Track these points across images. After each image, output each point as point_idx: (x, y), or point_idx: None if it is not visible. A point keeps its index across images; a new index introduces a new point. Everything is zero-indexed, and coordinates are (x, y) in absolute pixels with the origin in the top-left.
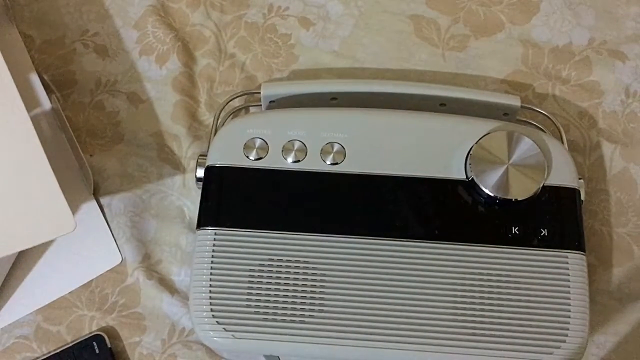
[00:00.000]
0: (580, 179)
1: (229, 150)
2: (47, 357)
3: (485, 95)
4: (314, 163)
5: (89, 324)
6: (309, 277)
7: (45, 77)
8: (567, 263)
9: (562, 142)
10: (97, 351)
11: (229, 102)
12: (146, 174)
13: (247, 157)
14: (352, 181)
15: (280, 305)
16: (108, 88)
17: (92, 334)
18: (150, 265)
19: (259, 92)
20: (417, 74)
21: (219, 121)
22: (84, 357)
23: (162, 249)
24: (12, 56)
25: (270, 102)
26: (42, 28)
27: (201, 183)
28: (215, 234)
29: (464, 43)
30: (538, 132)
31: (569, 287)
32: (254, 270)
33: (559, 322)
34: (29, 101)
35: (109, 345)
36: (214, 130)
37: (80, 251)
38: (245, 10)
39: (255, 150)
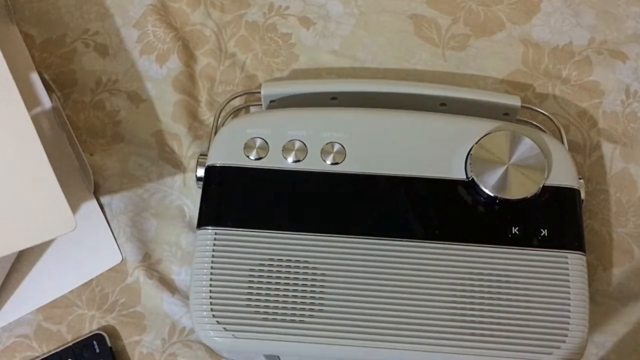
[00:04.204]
0: (580, 179)
1: (229, 150)
2: (47, 356)
3: (486, 95)
4: (314, 163)
5: (89, 323)
6: (309, 277)
7: (46, 76)
8: (567, 263)
9: (562, 142)
10: (97, 350)
11: (229, 101)
12: (146, 173)
13: (248, 156)
14: (352, 181)
15: (280, 305)
16: (108, 87)
17: (93, 333)
18: (150, 265)
19: (260, 92)
20: (417, 73)
21: (219, 121)
22: (84, 356)
23: (162, 248)
24: (12, 55)
25: (271, 101)
26: (42, 27)
27: (201, 182)
28: (216, 233)
29: (464, 43)
30: (538, 132)
31: (568, 287)
32: (254, 270)
33: (558, 322)
34: (30, 100)
35: (109, 345)
36: (214, 129)
37: (81, 250)
38: (245, 10)
39: (255, 150)
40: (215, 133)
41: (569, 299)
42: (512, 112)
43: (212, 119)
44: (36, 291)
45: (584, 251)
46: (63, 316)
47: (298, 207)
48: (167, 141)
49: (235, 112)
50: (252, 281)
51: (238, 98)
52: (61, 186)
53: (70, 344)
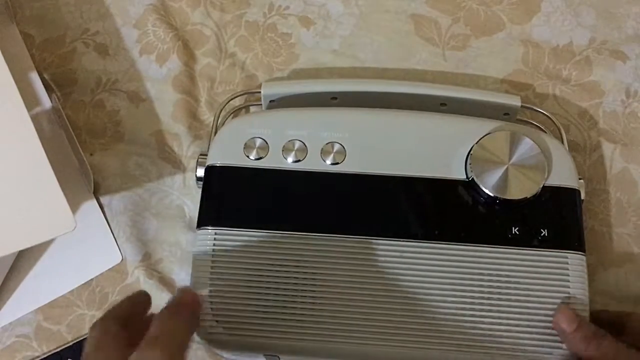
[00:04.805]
0: (580, 179)
1: (229, 150)
2: (47, 356)
3: (486, 95)
4: (314, 163)
5: (90, 323)
6: (309, 277)
7: (46, 76)
8: (567, 263)
9: (563, 142)
10: None
11: (229, 101)
12: (146, 173)
13: (248, 156)
14: (352, 181)
15: (280, 305)
16: (108, 87)
17: None
18: (150, 265)
19: (260, 92)
20: (417, 73)
21: (219, 120)
22: None
23: (162, 248)
24: (12, 55)
25: (271, 101)
26: (42, 27)
27: (201, 182)
28: (216, 233)
29: (464, 42)
30: (538, 132)
31: (568, 287)
32: (254, 270)
33: None
34: (29, 100)
35: None
36: (214, 129)
37: (80, 250)
38: (245, 9)
39: (255, 149)
40: (215, 133)
41: (569, 300)
42: (512, 112)
43: (212, 119)
44: (36, 291)
45: (584, 251)
46: (63, 316)
47: (298, 207)
48: (167, 141)
49: (235, 112)
50: (252, 281)
51: (238, 98)
52: (61, 186)
53: (71, 343)
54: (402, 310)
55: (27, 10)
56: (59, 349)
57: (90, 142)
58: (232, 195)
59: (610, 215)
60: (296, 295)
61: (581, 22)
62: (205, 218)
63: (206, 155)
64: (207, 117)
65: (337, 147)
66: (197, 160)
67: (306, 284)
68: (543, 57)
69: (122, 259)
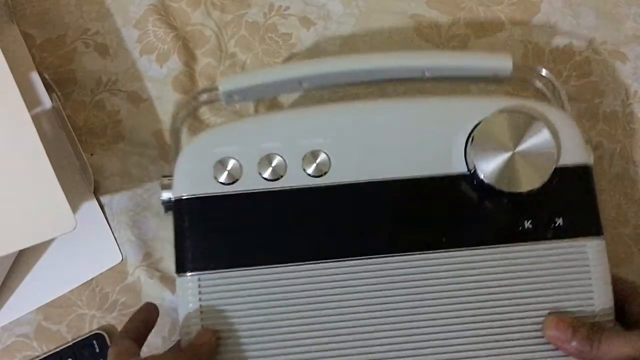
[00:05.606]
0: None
1: (196, 177)
2: (47, 356)
3: (474, 58)
4: (296, 178)
5: (90, 323)
6: (314, 311)
7: (46, 76)
8: (587, 252)
9: (564, 108)
10: (97, 350)
11: (182, 109)
12: (147, 172)
13: (219, 181)
14: (342, 193)
15: (283, 346)
16: (109, 87)
17: (93, 332)
18: (151, 264)
19: (217, 89)
20: None
21: (180, 125)
22: (85, 356)
23: (163, 247)
24: (12, 55)
25: (234, 97)
26: (43, 27)
27: (170, 210)
28: (199, 279)
29: (464, 43)
30: (540, 106)
31: (590, 277)
32: (251, 315)
33: (583, 313)
34: (30, 100)
35: (109, 344)
36: (174, 143)
37: (81, 250)
38: (246, 10)
39: (226, 172)
40: (177, 148)
41: (592, 290)
42: (503, 73)
43: (212, 119)
44: (36, 291)
45: (602, 234)
46: (63, 316)
47: (287, 234)
48: (168, 141)
49: (194, 114)
50: (251, 327)
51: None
52: (61, 186)
53: (71, 343)
54: (418, 334)
55: (27, 10)
56: (59, 349)
57: (91, 142)
58: (210, 232)
59: (610, 216)
60: (301, 331)
61: (581, 23)
62: (184, 263)
63: (171, 177)
64: (207, 116)
65: (319, 155)
66: (161, 183)
67: (312, 319)
68: (543, 58)
69: (122, 259)
